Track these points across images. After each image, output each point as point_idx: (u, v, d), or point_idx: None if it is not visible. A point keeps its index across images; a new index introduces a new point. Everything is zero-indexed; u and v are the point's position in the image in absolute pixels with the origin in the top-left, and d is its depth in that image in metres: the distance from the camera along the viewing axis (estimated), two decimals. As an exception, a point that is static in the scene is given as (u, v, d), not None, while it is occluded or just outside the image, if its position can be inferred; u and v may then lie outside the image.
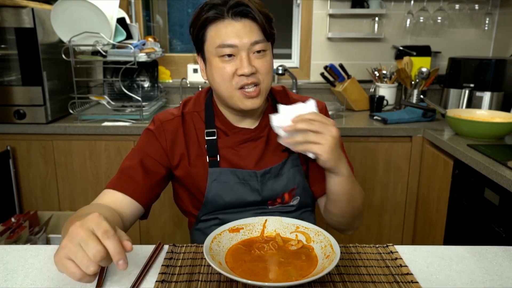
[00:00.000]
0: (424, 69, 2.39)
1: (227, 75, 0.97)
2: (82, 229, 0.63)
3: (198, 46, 1.02)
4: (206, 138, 1.06)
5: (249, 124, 1.09)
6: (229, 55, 0.96)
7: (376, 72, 2.56)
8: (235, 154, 1.07)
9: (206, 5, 0.97)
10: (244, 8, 0.94)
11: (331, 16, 2.64)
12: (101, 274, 0.79)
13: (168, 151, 1.06)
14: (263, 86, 1.00)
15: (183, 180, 1.08)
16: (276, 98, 1.14)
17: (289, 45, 2.87)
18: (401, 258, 0.87)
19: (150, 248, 0.90)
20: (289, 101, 1.15)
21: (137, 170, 1.02)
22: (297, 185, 1.10)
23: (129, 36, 2.36)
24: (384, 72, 2.55)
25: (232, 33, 0.94)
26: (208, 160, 1.06)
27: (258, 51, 0.97)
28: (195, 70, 2.70)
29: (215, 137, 1.06)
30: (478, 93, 2.23)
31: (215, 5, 0.96)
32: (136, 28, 2.44)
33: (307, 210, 1.16)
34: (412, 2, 2.59)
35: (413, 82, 2.46)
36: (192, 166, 1.07)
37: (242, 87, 0.98)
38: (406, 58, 2.47)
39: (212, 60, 0.98)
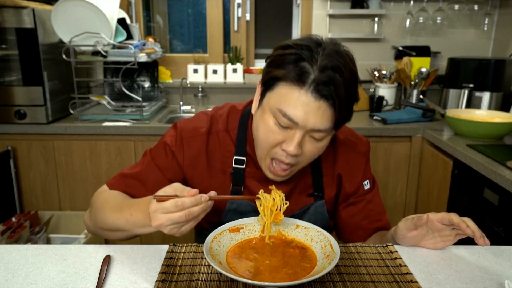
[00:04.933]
0: (423, 69, 2.40)
1: (271, 141, 0.87)
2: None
3: (266, 82, 0.88)
4: (234, 165, 1.00)
5: None
6: (284, 126, 0.85)
7: (375, 72, 2.56)
8: (259, 188, 0.97)
9: (293, 54, 0.82)
10: (331, 91, 0.80)
11: (331, 16, 2.64)
12: (101, 274, 0.79)
13: (185, 169, 1.01)
14: (297, 168, 0.92)
15: None
16: None
17: (289, 45, 2.87)
18: (400, 258, 0.87)
19: (150, 247, 0.90)
20: (333, 141, 1.02)
21: (147, 181, 1.01)
22: None
23: (130, 37, 2.37)
24: (384, 72, 2.56)
25: (301, 110, 0.81)
26: (231, 188, 1.00)
27: (315, 137, 0.87)
28: (195, 70, 2.71)
29: (243, 166, 0.99)
30: (477, 93, 2.23)
31: (302, 60, 0.81)
32: (136, 29, 2.44)
33: None
34: (411, 2, 2.59)
35: (412, 82, 2.46)
36: (212, 188, 0.98)
37: (275, 158, 0.90)
38: (405, 58, 2.48)
39: (266, 112, 0.87)
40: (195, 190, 0.77)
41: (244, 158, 0.99)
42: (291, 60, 0.82)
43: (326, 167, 1.05)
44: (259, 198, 0.87)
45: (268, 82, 0.86)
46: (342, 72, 0.81)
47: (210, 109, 1.10)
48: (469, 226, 0.83)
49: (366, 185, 1.07)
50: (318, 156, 0.92)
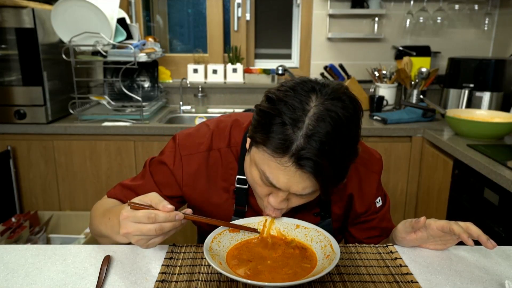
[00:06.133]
0: (423, 69, 2.39)
1: (258, 192, 0.84)
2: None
3: (251, 137, 0.80)
4: (237, 185, 0.95)
5: None
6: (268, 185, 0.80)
7: (376, 72, 2.56)
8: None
9: (278, 116, 0.72)
10: (314, 167, 0.71)
11: (331, 16, 2.64)
12: (101, 274, 0.79)
13: (184, 189, 0.98)
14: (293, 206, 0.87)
15: (201, 213, 1.00)
16: None
17: (289, 45, 2.87)
18: (400, 258, 0.87)
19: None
20: None
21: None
22: None
23: (129, 36, 2.36)
24: (384, 72, 2.55)
25: (283, 178, 0.75)
26: (234, 208, 0.98)
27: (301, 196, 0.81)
28: (195, 70, 2.71)
29: (246, 186, 0.94)
30: (477, 93, 2.23)
31: (284, 125, 0.71)
32: (136, 28, 2.44)
33: None
34: (412, 2, 2.59)
35: (412, 82, 2.46)
36: (214, 206, 0.98)
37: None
38: (406, 58, 2.48)
39: (252, 163, 0.81)
40: (171, 207, 0.75)
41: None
42: (274, 124, 0.72)
43: None
44: (235, 226, 0.86)
45: (253, 138, 0.78)
46: (331, 143, 0.70)
47: (214, 116, 1.06)
48: (472, 232, 0.81)
49: (378, 202, 1.02)
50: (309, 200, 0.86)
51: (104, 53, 2.14)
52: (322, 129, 0.70)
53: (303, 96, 0.72)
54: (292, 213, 0.93)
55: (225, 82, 2.72)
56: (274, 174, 0.75)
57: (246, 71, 2.71)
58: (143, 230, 0.74)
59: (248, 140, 0.83)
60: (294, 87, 0.74)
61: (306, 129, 0.70)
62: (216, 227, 0.86)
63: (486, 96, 2.21)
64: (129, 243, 0.93)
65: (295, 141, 0.70)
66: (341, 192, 0.99)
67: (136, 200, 0.77)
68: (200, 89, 2.67)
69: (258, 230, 0.90)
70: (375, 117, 2.27)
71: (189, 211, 0.79)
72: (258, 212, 0.96)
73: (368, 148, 1.04)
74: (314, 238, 0.87)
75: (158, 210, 0.75)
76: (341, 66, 2.59)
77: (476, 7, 2.58)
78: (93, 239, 2.05)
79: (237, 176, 0.95)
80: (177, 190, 0.99)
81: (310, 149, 0.70)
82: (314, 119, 0.70)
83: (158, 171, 1.00)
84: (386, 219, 1.05)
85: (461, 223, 0.84)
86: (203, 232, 1.12)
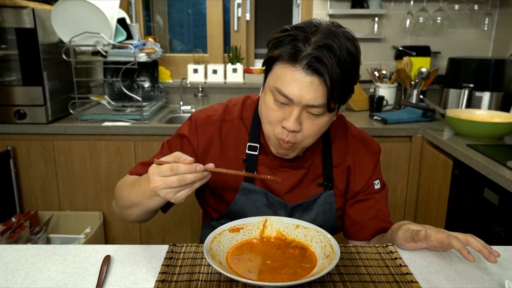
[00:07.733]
0: (423, 69, 2.40)
1: (273, 119, 0.91)
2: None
3: (266, 65, 0.93)
4: (248, 151, 1.02)
5: None
6: (282, 103, 0.88)
7: (376, 72, 2.56)
8: (271, 175, 0.99)
9: (288, 35, 0.86)
10: (322, 67, 0.82)
11: (331, 16, 2.64)
12: (101, 274, 0.79)
13: (199, 155, 1.04)
14: (301, 145, 0.94)
15: (212, 185, 1.06)
16: (330, 128, 1.05)
17: (289, 45, 2.87)
18: (400, 258, 0.87)
19: (150, 247, 0.90)
20: (345, 133, 1.08)
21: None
22: (325, 222, 1.05)
23: (129, 36, 2.36)
24: (384, 72, 2.55)
25: (295, 87, 0.85)
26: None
27: (312, 112, 0.88)
28: (195, 70, 2.71)
29: (256, 153, 1.02)
30: (477, 93, 2.23)
31: (296, 40, 0.85)
32: (136, 28, 2.44)
33: None
34: (411, 2, 2.59)
35: (412, 82, 2.46)
36: (225, 174, 1.03)
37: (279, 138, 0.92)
38: (405, 58, 2.48)
39: (267, 92, 0.92)
40: (191, 159, 0.80)
41: (258, 145, 1.02)
42: (286, 41, 0.86)
43: (337, 158, 1.06)
44: (252, 175, 0.90)
45: (267, 64, 0.91)
46: (335, 50, 0.82)
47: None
48: (472, 246, 0.81)
49: (377, 184, 1.08)
50: (320, 132, 0.93)
51: (104, 53, 2.14)
52: (330, 41, 0.83)
53: (311, 25, 0.87)
54: (298, 182, 1.02)
55: (225, 82, 2.72)
56: (287, 83, 0.85)
57: (246, 71, 2.71)
58: (168, 182, 0.78)
59: (263, 82, 0.95)
60: (303, 22, 0.89)
61: (315, 41, 0.83)
62: (216, 227, 0.87)
63: (486, 96, 2.21)
64: (130, 242, 0.93)
65: (306, 49, 0.83)
66: (341, 165, 1.06)
67: (162, 158, 0.82)
68: (200, 89, 2.67)
69: (258, 230, 0.90)
70: (375, 117, 2.27)
71: (211, 165, 0.82)
72: (264, 181, 1.03)
73: (368, 135, 1.12)
74: (314, 238, 0.87)
75: (179, 163, 0.79)
76: (341, 66, 2.59)
77: (476, 7, 2.58)
78: (93, 239, 2.05)
79: (248, 144, 1.02)
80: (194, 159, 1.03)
81: (319, 53, 0.82)
82: (322, 35, 0.84)
83: (175, 143, 1.06)
84: (383, 202, 1.09)
85: (461, 237, 0.83)
86: (208, 221, 1.14)
